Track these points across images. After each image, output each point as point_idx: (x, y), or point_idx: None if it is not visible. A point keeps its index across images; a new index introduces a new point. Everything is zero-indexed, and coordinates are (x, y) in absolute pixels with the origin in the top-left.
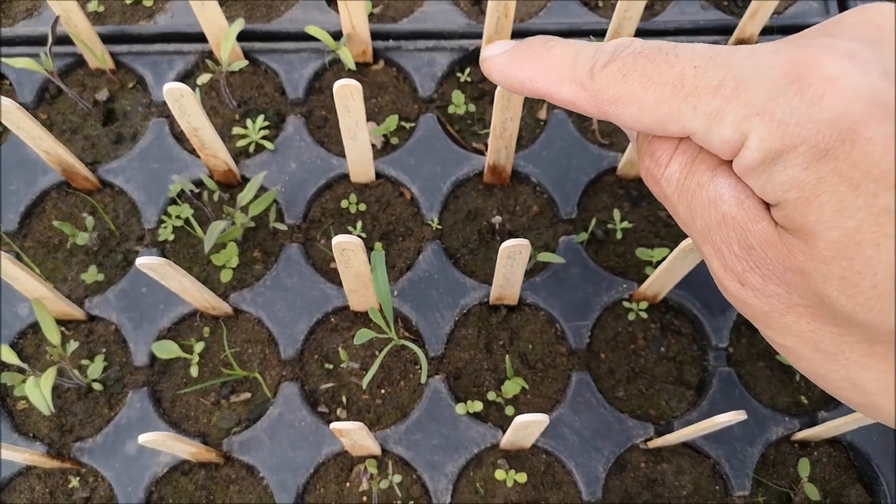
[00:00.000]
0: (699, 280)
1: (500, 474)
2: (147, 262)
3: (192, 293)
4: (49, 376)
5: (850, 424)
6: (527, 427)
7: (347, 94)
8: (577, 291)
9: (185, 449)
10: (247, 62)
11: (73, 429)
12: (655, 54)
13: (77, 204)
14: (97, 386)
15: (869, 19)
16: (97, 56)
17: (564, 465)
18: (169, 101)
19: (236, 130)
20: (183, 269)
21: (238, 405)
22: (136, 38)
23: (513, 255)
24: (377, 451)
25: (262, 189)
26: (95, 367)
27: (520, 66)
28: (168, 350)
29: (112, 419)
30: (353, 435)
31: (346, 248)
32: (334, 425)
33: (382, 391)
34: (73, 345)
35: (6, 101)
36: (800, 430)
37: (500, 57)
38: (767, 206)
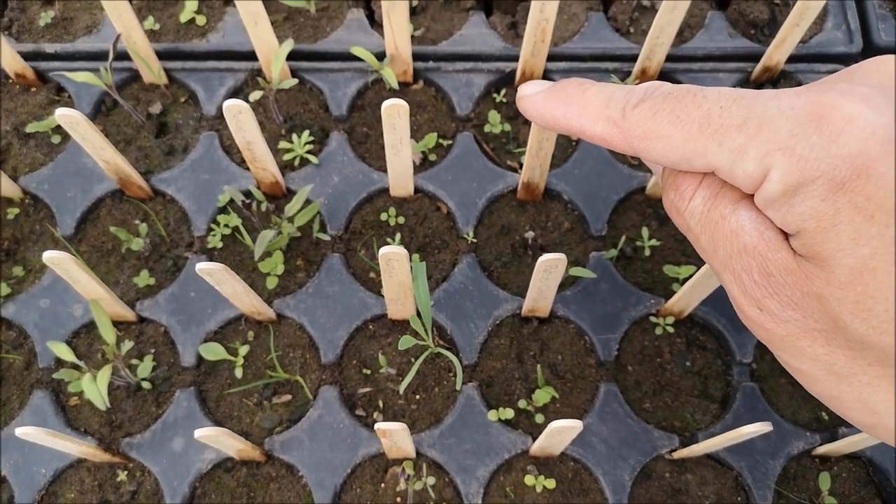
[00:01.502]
0: (724, 297)
1: (529, 480)
2: (206, 268)
3: (242, 298)
4: (105, 373)
5: (870, 440)
6: (560, 433)
7: (395, 113)
8: (605, 306)
9: (234, 445)
10: (296, 81)
11: (122, 425)
12: (684, 95)
13: (130, 211)
14: (146, 385)
15: (881, 69)
16: (153, 71)
17: (592, 472)
18: (227, 116)
19: (282, 145)
20: (236, 276)
21: (279, 406)
22: (190, 55)
23: (549, 269)
24: (413, 453)
25: (307, 201)
26: (145, 367)
27: (555, 106)
28: (214, 352)
29: (160, 416)
30: (396, 436)
31: (392, 258)
32: (379, 425)
33: (417, 397)
34: (127, 344)
35: (75, 112)
36: (820, 444)
37: (536, 96)
38: (786, 236)
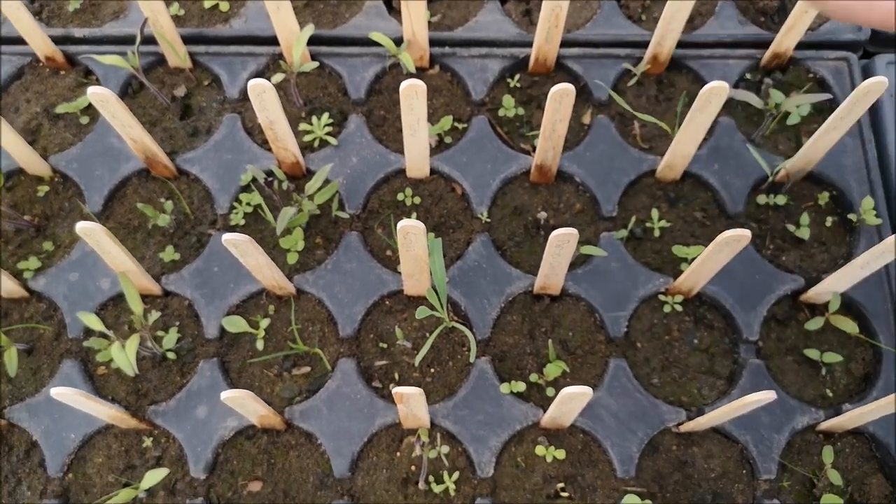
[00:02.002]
0: (732, 276)
1: (540, 450)
2: (232, 239)
3: (264, 271)
4: (133, 341)
5: (872, 414)
6: (571, 399)
7: (412, 94)
8: (615, 284)
9: (257, 410)
10: (316, 64)
11: (148, 393)
12: None
13: (155, 190)
14: (171, 355)
15: None
16: (178, 55)
17: (601, 444)
18: (252, 95)
19: (302, 127)
20: (260, 248)
21: (299, 377)
22: (213, 39)
23: (561, 244)
24: (427, 422)
25: (326, 180)
26: (170, 338)
27: None
28: (237, 325)
29: (184, 385)
30: (412, 401)
31: (410, 231)
32: (396, 389)
33: (432, 370)
34: (154, 315)
35: (105, 90)
36: (824, 420)
37: None
38: None
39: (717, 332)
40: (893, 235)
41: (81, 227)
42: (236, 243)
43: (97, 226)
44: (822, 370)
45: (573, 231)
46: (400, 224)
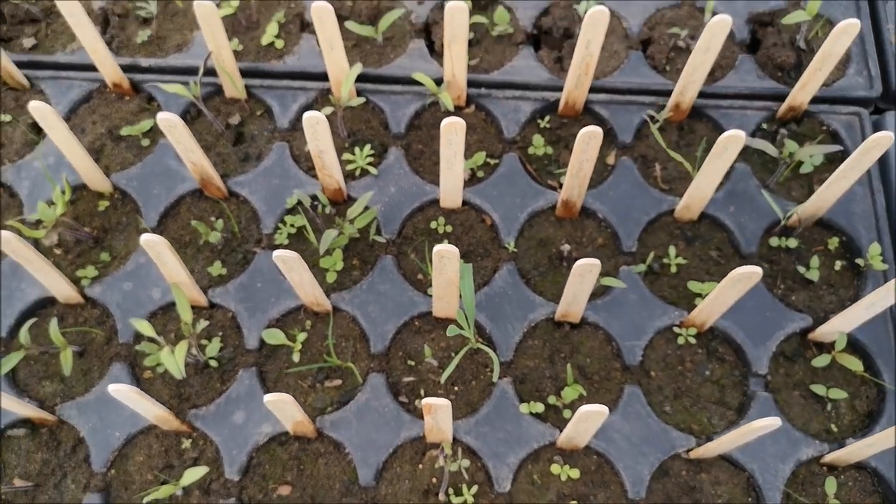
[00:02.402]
0: (744, 313)
1: (555, 469)
2: (282, 255)
3: (306, 288)
4: (183, 346)
5: (873, 448)
6: (588, 418)
7: (452, 130)
8: (633, 315)
9: (294, 416)
10: (363, 99)
11: (189, 398)
12: None
13: (207, 209)
14: (213, 363)
15: None
16: (236, 86)
17: (613, 466)
18: (306, 126)
19: (345, 157)
20: (306, 265)
21: (331, 389)
22: (268, 73)
23: (584, 274)
24: (450, 437)
25: (366, 207)
26: (213, 347)
27: None
28: (275, 337)
29: (224, 392)
30: (440, 412)
31: (444, 255)
32: (426, 400)
33: (456, 388)
34: (202, 323)
35: (174, 117)
36: (829, 452)
37: None
38: None
39: (728, 364)
40: (894, 280)
41: (146, 239)
42: (285, 259)
43: (160, 238)
44: (828, 405)
45: (595, 261)
46: (436, 248)
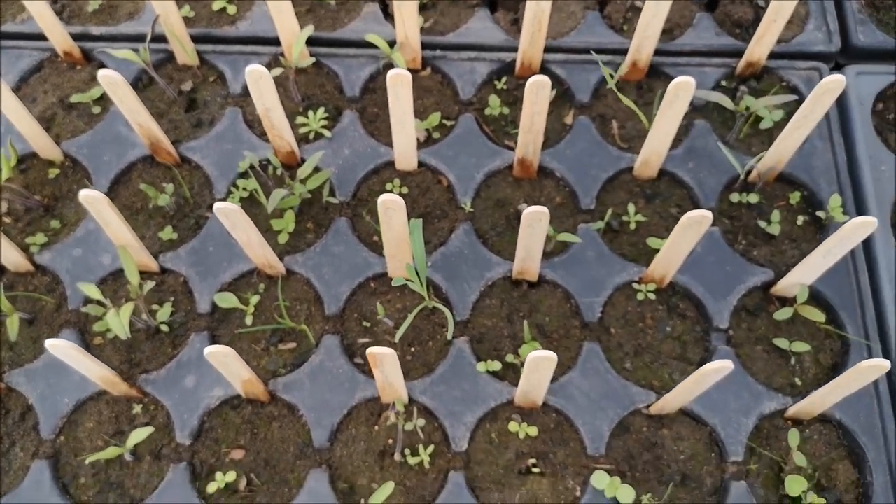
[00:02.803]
0: (704, 268)
1: (513, 427)
2: (223, 207)
3: (255, 248)
4: (128, 307)
5: (835, 395)
6: (538, 366)
7: (398, 82)
8: (592, 272)
9: (241, 373)
10: (313, 60)
11: (140, 363)
12: None
13: (159, 175)
14: (164, 328)
15: None
16: (187, 52)
17: (572, 423)
18: (249, 81)
19: (299, 120)
20: (250, 220)
21: (284, 352)
22: (220, 39)
23: (532, 224)
24: (405, 396)
25: (317, 168)
26: (164, 312)
27: None
28: (228, 301)
29: (175, 356)
30: (386, 363)
31: (390, 206)
32: (370, 350)
33: (412, 349)
34: (149, 284)
35: (115, 74)
36: (792, 405)
37: None
38: None
39: (690, 320)
40: (850, 221)
41: (84, 194)
42: (227, 213)
43: (99, 194)
44: (792, 359)
45: (544, 209)
46: (381, 198)
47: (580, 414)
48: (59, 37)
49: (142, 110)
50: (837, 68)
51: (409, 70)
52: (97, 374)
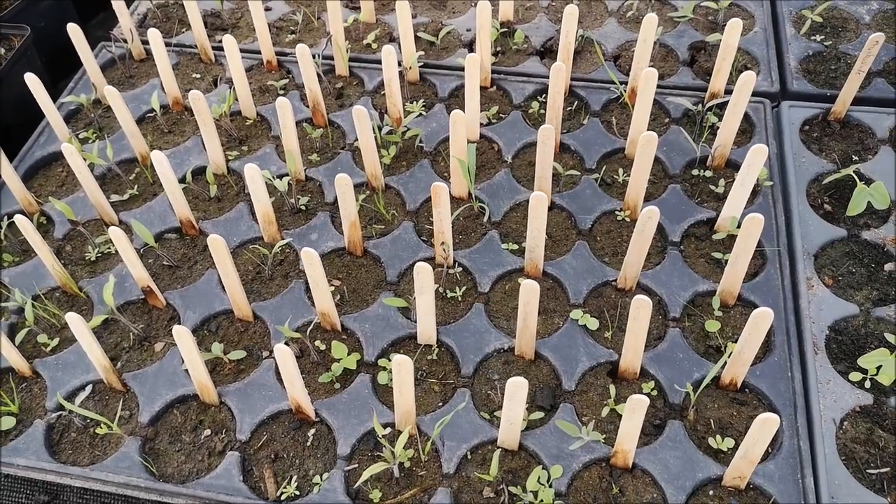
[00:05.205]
0: (667, 204)
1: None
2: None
3: (369, 155)
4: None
5: (740, 274)
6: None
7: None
8: (588, 203)
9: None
10: (421, 62)
11: None
12: None
13: (311, 130)
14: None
15: None
16: (344, 66)
17: (562, 283)
18: (385, 77)
19: (408, 107)
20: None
21: (378, 229)
22: (364, 60)
23: (546, 148)
24: (451, 259)
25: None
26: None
27: None
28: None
29: (306, 224)
30: (441, 200)
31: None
32: (435, 185)
33: (460, 236)
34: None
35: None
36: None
37: None
38: None
39: (654, 236)
40: (750, 150)
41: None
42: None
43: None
44: (724, 264)
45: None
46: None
47: (567, 279)
48: (269, 53)
49: (315, 87)
50: (776, 102)
51: (482, 87)
52: None
